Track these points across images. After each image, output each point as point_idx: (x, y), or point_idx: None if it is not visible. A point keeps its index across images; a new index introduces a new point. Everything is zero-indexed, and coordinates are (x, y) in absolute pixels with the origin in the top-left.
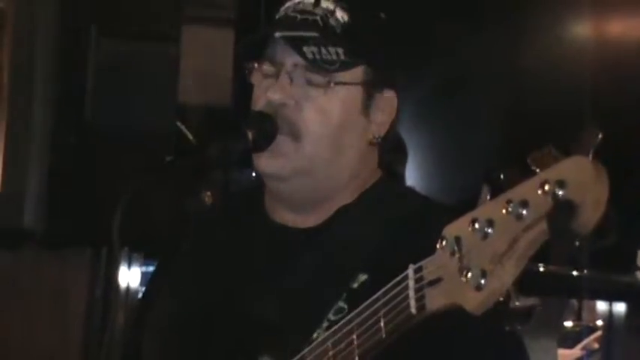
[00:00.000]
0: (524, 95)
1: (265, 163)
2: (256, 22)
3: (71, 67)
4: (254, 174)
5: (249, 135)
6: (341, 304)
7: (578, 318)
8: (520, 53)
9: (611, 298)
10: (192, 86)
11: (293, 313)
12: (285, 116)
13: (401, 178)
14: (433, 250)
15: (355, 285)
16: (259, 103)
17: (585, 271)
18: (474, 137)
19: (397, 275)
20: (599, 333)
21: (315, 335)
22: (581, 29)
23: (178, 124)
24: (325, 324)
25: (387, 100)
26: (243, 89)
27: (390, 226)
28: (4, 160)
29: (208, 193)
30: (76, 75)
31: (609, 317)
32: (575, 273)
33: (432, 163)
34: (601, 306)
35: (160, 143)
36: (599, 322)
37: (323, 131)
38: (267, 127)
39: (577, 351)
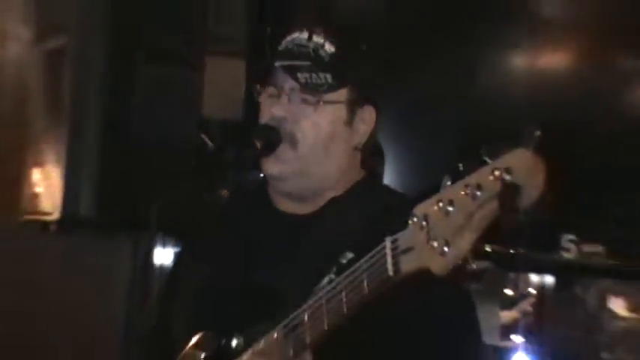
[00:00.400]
0: (476, 112)
1: (270, 166)
2: (263, 54)
3: (120, 89)
4: (261, 174)
5: (258, 144)
6: (332, 275)
7: (515, 287)
8: (472, 80)
9: (541, 272)
10: (213, 105)
11: (293, 281)
12: (285, 128)
13: (379, 176)
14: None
15: (344, 261)
16: (265, 118)
17: (522, 250)
18: (438, 144)
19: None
20: (532, 299)
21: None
22: (519, 60)
23: (202, 135)
24: (315, 294)
25: (367, 114)
26: (252, 107)
27: (370, 214)
28: (66, 164)
29: (225, 190)
30: (124, 95)
31: (540, 287)
32: (512, 251)
33: (405, 166)
34: (534, 278)
35: (187, 150)
36: (532, 291)
37: (315, 140)
38: (273, 137)
39: (514, 313)
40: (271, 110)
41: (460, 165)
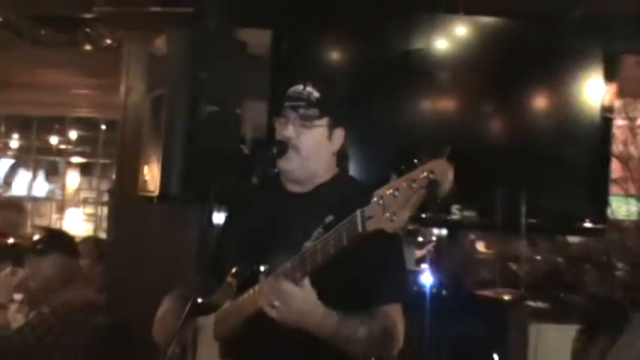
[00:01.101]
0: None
1: (283, 164)
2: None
3: (194, 122)
4: (276, 170)
5: (274, 150)
6: (320, 230)
7: (424, 236)
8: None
9: (440, 227)
10: (247, 129)
11: (297, 233)
12: (292, 142)
13: (347, 171)
14: (368, 203)
15: (327, 220)
16: (279, 136)
17: (430, 214)
18: (383, 153)
19: (349, 215)
20: (433, 243)
21: (304, 245)
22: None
23: (241, 146)
24: (311, 241)
25: (339, 132)
26: (272, 129)
27: (345, 193)
28: (162, 164)
29: (254, 178)
30: (196, 125)
31: (438, 236)
32: (423, 215)
33: (361, 166)
34: (435, 231)
35: (233, 154)
36: (434, 238)
37: (310, 149)
38: (283, 148)
39: (424, 251)
40: (283, 133)
41: (402, 167)
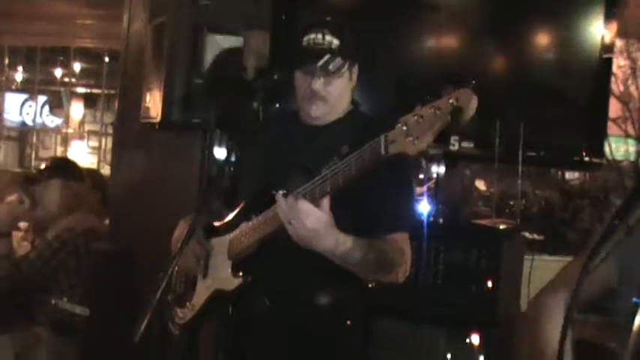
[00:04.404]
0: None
1: (314, 110)
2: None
3: (197, 49)
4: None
5: (303, 97)
6: (335, 159)
7: (426, 171)
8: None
9: (438, 162)
10: (249, 57)
11: (310, 164)
12: (320, 94)
13: (359, 107)
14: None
15: (342, 150)
16: (303, 88)
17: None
18: (383, 89)
19: (363, 145)
20: (434, 180)
21: (323, 172)
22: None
23: (242, 74)
24: (323, 173)
25: (355, 69)
26: (273, 57)
27: (360, 127)
28: (164, 90)
29: (256, 105)
30: (200, 52)
31: (437, 172)
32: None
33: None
34: (434, 168)
35: (237, 84)
36: (434, 174)
37: (337, 97)
38: (311, 98)
39: (425, 188)
40: (310, 85)
41: (428, 97)
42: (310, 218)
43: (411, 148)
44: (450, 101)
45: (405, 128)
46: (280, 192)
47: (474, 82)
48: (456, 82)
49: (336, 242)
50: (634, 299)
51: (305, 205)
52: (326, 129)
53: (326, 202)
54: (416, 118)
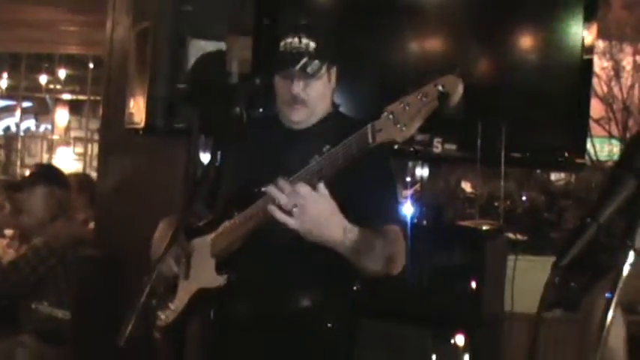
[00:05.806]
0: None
1: (295, 115)
2: (264, 34)
3: (178, 54)
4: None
5: (285, 101)
6: (317, 158)
7: (410, 175)
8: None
9: (423, 161)
10: (232, 63)
11: (292, 165)
12: (300, 98)
13: (338, 108)
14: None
15: (324, 150)
16: (284, 93)
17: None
18: (365, 90)
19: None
20: (418, 184)
21: (311, 162)
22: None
23: (226, 78)
24: (311, 164)
25: (334, 71)
26: (256, 63)
27: (340, 128)
28: (148, 96)
29: (238, 109)
30: (182, 58)
31: (421, 175)
32: (412, 149)
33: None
34: (418, 171)
35: (218, 87)
36: (418, 177)
37: (317, 99)
38: (291, 102)
39: (409, 191)
40: (289, 90)
41: (410, 88)
42: (309, 201)
43: (398, 134)
44: (436, 87)
45: (391, 117)
46: (280, 178)
47: (457, 68)
48: (441, 71)
49: (344, 230)
50: None
51: (303, 189)
52: (307, 131)
53: (324, 187)
54: (402, 105)
